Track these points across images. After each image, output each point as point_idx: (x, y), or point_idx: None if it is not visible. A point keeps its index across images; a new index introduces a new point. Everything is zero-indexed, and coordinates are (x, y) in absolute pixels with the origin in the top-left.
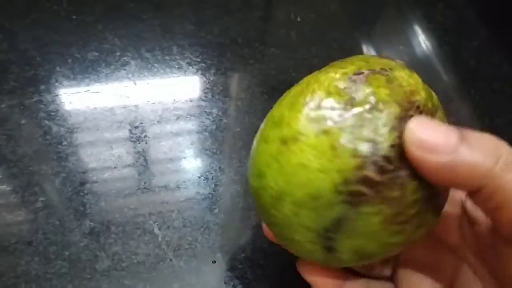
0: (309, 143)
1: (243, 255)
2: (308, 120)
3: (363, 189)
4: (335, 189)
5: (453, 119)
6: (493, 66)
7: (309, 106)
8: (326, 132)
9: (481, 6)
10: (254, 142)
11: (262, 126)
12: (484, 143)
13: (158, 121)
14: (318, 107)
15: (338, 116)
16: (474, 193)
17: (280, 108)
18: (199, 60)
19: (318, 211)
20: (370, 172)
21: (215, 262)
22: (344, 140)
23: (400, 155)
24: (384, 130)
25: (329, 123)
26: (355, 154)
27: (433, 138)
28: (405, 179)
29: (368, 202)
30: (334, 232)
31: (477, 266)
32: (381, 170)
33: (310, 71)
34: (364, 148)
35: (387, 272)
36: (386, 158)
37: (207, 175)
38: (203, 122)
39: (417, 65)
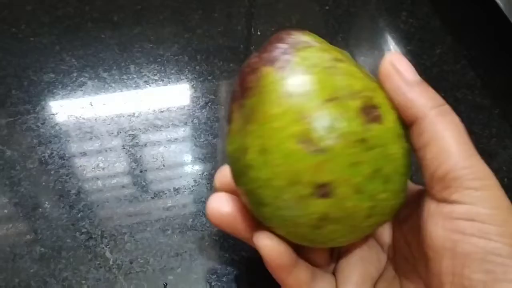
0: None
1: (195, 276)
2: None
3: None
4: None
5: None
6: (456, 74)
7: None
8: None
9: (444, 14)
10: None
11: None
12: (434, 92)
13: (115, 143)
14: None
15: None
16: (412, 123)
17: None
18: (157, 78)
19: None
20: None
21: (166, 285)
22: None
23: None
24: None
25: None
26: None
27: (404, 67)
28: None
29: None
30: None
31: (400, 266)
32: None
33: None
34: None
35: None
36: None
37: (160, 195)
38: (160, 142)
39: None
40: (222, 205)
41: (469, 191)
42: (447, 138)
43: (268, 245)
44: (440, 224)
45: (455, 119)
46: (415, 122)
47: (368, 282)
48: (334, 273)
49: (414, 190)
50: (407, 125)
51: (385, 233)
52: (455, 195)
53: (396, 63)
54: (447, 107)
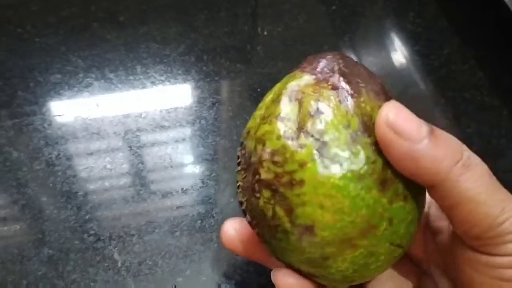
0: None
1: (204, 278)
2: None
3: None
4: None
5: None
6: (465, 75)
7: None
8: None
9: (452, 15)
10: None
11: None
12: (448, 142)
13: (122, 144)
14: None
15: None
16: (431, 187)
17: None
18: (163, 78)
19: None
20: None
21: (175, 287)
22: None
23: None
24: None
25: None
26: None
27: (405, 124)
28: None
29: None
30: None
31: (439, 278)
32: None
33: None
34: None
35: None
36: None
37: (168, 196)
38: (167, 143)
39: (387, 76)
40: (235, 226)
41: (510, 244)
42: (476, 197)
43: (292, 284)
44: (481, 271)
45: (480, 168)
46: (435, 186)
47: None
48: None
49: None
50: (423, 186)
51: (416, 246)
52: (494, 251)
53: (394, 121)
54: (468, 157)
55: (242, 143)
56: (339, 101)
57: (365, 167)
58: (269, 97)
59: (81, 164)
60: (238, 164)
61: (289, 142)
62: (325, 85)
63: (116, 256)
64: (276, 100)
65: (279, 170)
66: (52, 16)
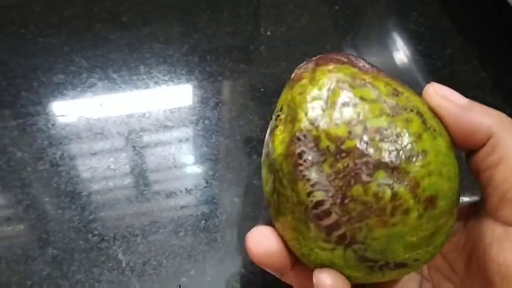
0: None
1: (209, 278)
2: None
3: None
4: None
5: None
6: (467, 74)
7: None
8: None
9: (454, 14)
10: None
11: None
12: (489, 108)
13: (125, 144)
14: None
15: None
16: (480, 147)
17: None
18: (167, 79)
19: None
20: None
21: (180, 287)
22: None
23: None
24: None
25: None
26: None
27: (450, 92)
28: None
29: None
30: None
31: (439, 282)
32: None
33: (280, 87)
34: None
35: None
36: None
37: (172, 196)
38: (171, 143)
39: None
40: (268, 243)
41: None
42: None
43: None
44: None
45: None
46: (485, 143)
47: None
48: None
49: None
50: (473, 150)
51: None
52: None
53: (441, 89)
54: (510, 120)
55: (304, 136)
56: (401, 84)
57: (449, 138)
58: (312, 90)
59: (84, 164)
60: (304, 161)
61: (395, 118)
62: (376, 73)
63: (120, 256)
64: (338, 88)
65: (393, 146)
66: (55, 16)
